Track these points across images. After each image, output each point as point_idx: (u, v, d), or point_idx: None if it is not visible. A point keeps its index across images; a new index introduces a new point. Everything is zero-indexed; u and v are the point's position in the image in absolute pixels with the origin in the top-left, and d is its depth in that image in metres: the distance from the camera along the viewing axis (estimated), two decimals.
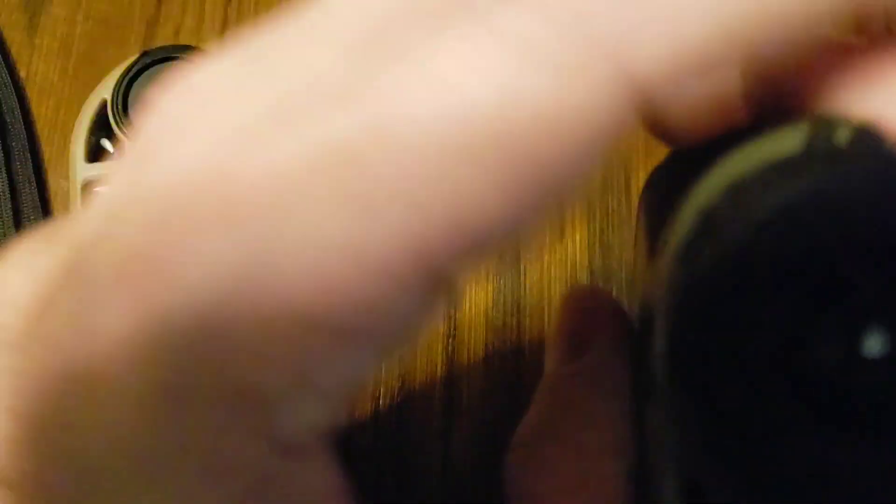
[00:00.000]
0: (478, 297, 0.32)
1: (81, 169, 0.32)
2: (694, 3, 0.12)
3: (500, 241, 0.12)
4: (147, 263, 0.12)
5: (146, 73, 0.32)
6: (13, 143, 0.34)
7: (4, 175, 0.34)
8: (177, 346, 0.12)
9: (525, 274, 0.33)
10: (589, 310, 0.20)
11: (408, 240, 0.12)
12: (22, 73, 0.36)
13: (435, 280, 0.12)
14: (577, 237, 0.33)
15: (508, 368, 0.32)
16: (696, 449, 0.11)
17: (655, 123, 0.13)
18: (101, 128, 0.33)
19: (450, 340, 0.32)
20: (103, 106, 0.32)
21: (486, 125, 0.11)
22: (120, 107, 0.32)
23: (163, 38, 0.36)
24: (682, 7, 0.12)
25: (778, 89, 0.14)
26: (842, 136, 0.12)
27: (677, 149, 0.15)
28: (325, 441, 0.14)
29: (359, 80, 0.12)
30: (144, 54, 0.32)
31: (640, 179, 0.34)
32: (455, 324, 0.32)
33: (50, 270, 0.15)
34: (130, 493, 0.13)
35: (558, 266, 0.33)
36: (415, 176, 0.11)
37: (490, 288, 0.32)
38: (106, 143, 0.33)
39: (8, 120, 0.35)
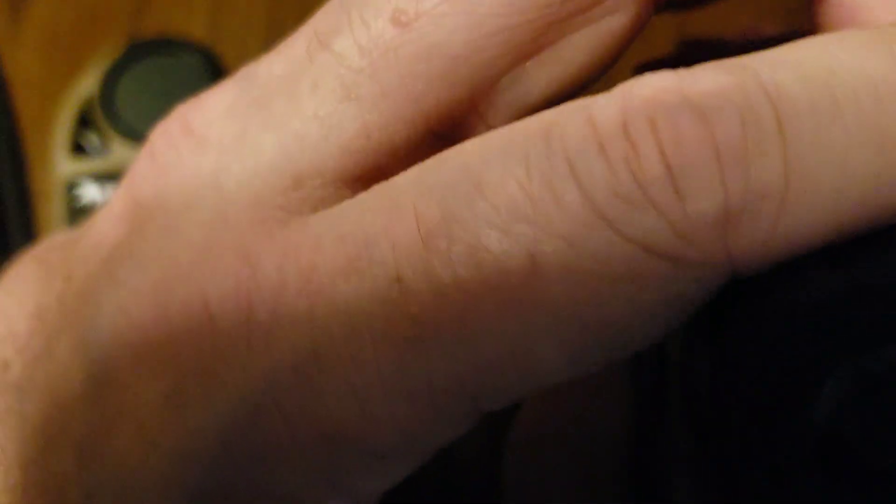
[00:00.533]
0: None
1: (65, 163, 0.31)
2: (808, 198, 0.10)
3: (551, 382, 0.11)
4: (171, 361, 0.12)
5: (133, 66, 0.32)
6: None
7: None
8: (210, 454, 0.12)
9: None
10: None
11: (460, 379, 0.11)
12: (6, 67, 0.36)
13: (476, 410, 0.11)
14: None
15: None
16: (709, 478, 0.11)
17: None
18: (87, 122, 0.32)
19: None
20: (89, 100, 0.32)
21: (566, 294, 0.10)
22: (106, 100, 0.31)
23: (150, 31, 0.36)
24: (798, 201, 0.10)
25: None
26: None
27: None
28: None
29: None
30: (131, 47, 0.32)
31: None
32: None
33: (47, 305, 0.14)
34: None
35: None
36: (473, 327, 0.10)
37: None
38: (92, 138, 0.33)
39: None
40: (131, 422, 0.12)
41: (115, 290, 0.13)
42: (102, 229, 0.14)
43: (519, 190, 0.10)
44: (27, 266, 0.15)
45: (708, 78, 0.10)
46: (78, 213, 0.31)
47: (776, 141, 0.09)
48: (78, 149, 0.32)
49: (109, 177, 0.31)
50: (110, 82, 0.31)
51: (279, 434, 0.11)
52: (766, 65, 0.10)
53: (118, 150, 0.31)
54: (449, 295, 0.10)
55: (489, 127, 0.12)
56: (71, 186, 0.31)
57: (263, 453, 0.11)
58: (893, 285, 0.10)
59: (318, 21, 0.13)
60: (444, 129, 0.12)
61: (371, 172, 0.12)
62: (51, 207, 0.33)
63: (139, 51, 0.32)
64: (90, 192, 0.31)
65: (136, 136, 0.31)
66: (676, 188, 0.10)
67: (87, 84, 0.32)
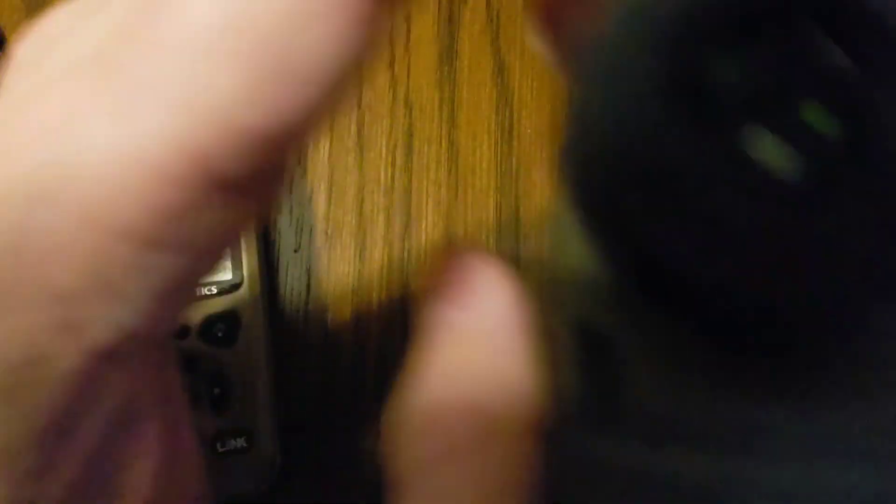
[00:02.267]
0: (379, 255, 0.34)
1: None
2: None
3: (271, 136, 0.12)
4: None
5: None
6: None
7: None
8: None
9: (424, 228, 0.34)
10: (473, 262, 0.17)
11: (176, 140, 0.12)
12: None
13: (217, 182, 0.12)
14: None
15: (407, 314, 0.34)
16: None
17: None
18: None
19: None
20: None
21: (232, 26, 0.12)
22: None
23: None
24: None
25: None
26: None
27: None
28: (148, 347, 0.14)
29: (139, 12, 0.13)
30: None
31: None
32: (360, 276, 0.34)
33: None
34: None
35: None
36: (170, 75, 0.12)
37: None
38: None
39: None
40: None
41: None
42: None
43: None
44: None
45: None
46: None
47: None
48: None
49: None
50: None
51: (45, 219, 0.12)
52: None
53: None
54: (142, 47, 0.13)
55: None
56: None
57: (36, 238, 0.12)
58: None
59: None
60: None
61: None
62: None
63: None
64: None
65: None
66: None
67: None
